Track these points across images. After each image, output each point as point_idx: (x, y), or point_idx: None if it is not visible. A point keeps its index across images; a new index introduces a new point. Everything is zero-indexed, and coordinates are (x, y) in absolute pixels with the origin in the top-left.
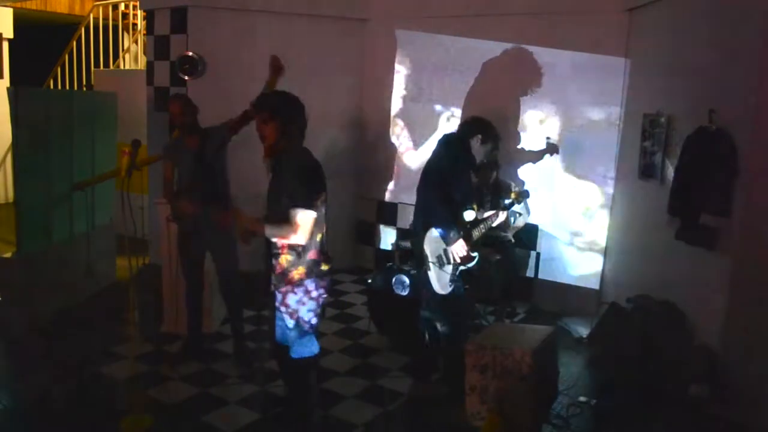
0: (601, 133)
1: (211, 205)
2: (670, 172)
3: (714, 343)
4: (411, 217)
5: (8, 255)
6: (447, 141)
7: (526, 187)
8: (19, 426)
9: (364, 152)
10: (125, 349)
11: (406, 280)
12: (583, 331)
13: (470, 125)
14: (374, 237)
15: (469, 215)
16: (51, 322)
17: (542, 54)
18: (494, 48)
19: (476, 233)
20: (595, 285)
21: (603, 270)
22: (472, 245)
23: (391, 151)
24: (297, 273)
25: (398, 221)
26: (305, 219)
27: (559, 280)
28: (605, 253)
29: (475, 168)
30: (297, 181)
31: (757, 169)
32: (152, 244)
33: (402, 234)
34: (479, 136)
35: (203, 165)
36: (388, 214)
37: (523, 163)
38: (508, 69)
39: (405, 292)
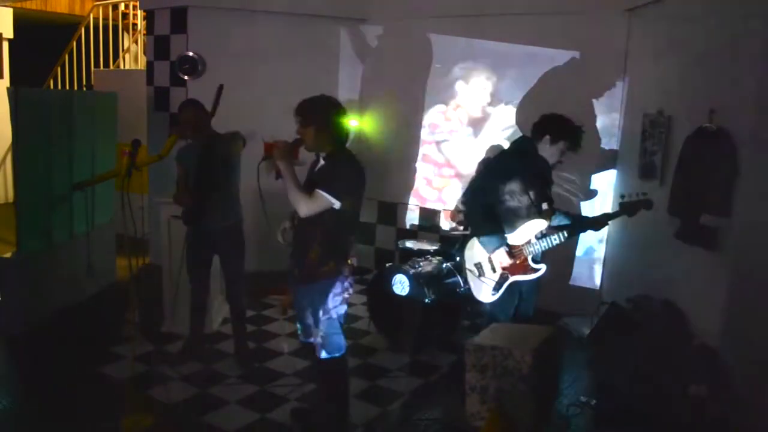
0: (601, 133)
1: (221, 211)
2: (670, 172)
3: (714, 343)
4: (418, 217)
5: (8, 255)
6: (514, 143)
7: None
8: (19, 426)
9: (364, 152)
10: (125, 349)
11: (406, 280)
12: (583, 331)
13: (537, 125)
14: (374, 237)
15: (537, 225)
16: (51, 322)
17: (542, 54)
18: (495, 48)
19: (543, 245)
20: (595, 285)
21: (603, 270)
22: (534, 258)
23: (391, 151)
24: (327, 268)
25: (398, 221)
26: (319, 199)
27: (559, 280)
28: (605, 253)
29: (547, 171)
30: (332, 172)
31: (757, 169)
32: (152, 244)
33: (402, 234)
34: (548, 137)
35: (215, 169)
36: (388, 214)
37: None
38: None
39: (405, 292)
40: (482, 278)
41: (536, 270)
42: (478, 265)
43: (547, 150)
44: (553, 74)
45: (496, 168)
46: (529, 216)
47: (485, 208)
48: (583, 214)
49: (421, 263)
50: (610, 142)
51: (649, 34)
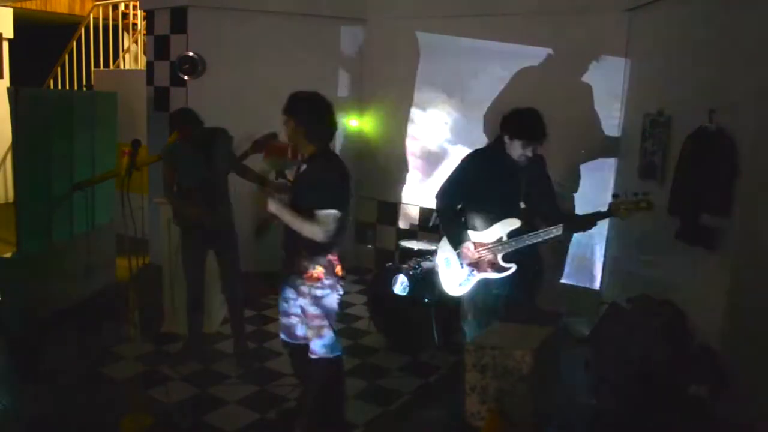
0: (601, 133)
1: (211, 208)
2: (670, 172)
3: (714, 343)
4: (412, 217)
5: (8, 255)
6: (489, 143)
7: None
8: (19, 426)
9: (364, 152)
10: (125, 349)
11: (406, 280)
12: (583, 331)
13: (501, 123)
14: (374, 237)
15: (508, 224)
16: (51, 322)
17: (542, 54)
18: (495, 48)
19: (514, 244)
20: (595, 285)
21: (603, 270)
22: (505, 257)
23: (391, 151)
24: (316, 272)
25: (398, 221)
26: (325, 217)
27: (559, 280)
28: (605, 253)
29: (519, 169)
30: (324, 183)
31: (757, 169)
32: (152, 244)
33: (402, 234)
34: (506, 136)
35: (204, 168)
36: (388, 214)
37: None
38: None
39: (405, 292)
40: (449, 272)
41: (506, 269)
42: (447, 260)
43: (510, 147)
44: (553, 74)
45: (460, 167)
46: (499, 214)
47: (450, 205)
48: (574, 213)
49: (421, 263)
50: (610, 142)
51: (649, 34)
